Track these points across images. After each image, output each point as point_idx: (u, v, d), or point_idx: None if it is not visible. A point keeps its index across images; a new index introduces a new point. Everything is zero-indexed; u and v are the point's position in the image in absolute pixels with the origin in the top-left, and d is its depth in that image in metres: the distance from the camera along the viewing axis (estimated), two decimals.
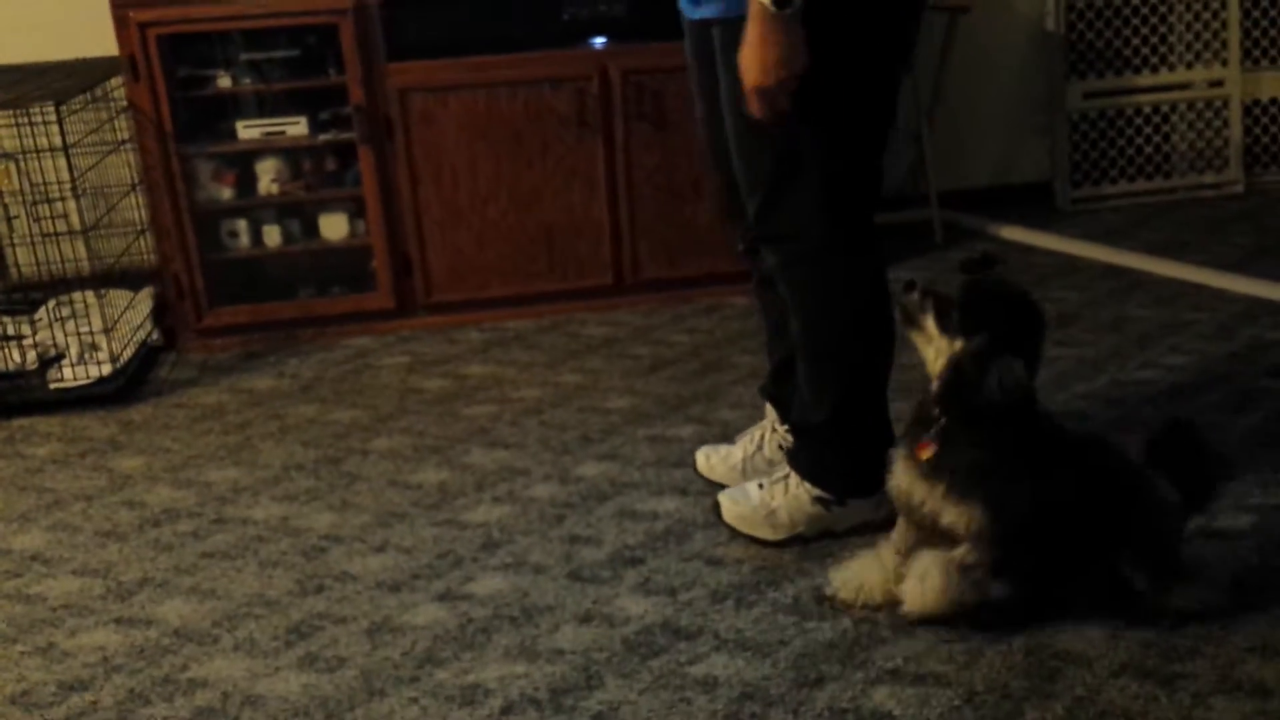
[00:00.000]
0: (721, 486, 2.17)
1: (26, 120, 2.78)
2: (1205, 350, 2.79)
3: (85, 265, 3.04)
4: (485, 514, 2.23)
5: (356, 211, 3.15)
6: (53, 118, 2.76)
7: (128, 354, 2.98)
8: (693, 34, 1.99)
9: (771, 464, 2.17)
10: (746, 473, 2.19)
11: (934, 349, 1.74)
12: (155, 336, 3.12)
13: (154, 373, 3.02)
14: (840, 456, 2.01)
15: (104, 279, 3.07)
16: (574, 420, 2.60)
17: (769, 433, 2.23)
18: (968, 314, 1.70)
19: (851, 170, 1.88)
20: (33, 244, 2.96)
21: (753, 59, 1.71)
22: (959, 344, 1.70)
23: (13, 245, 3.25)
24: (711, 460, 2.26)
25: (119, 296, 3.14)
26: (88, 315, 3.00)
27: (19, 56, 3.22)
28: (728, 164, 1.97)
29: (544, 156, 3.13)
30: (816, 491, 2.02)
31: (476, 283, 3.17)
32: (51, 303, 3.15)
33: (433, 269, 3.14)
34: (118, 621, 1.96)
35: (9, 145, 2.89)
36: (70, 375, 2.89)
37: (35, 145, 2.81)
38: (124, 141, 3.11)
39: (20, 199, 2.98)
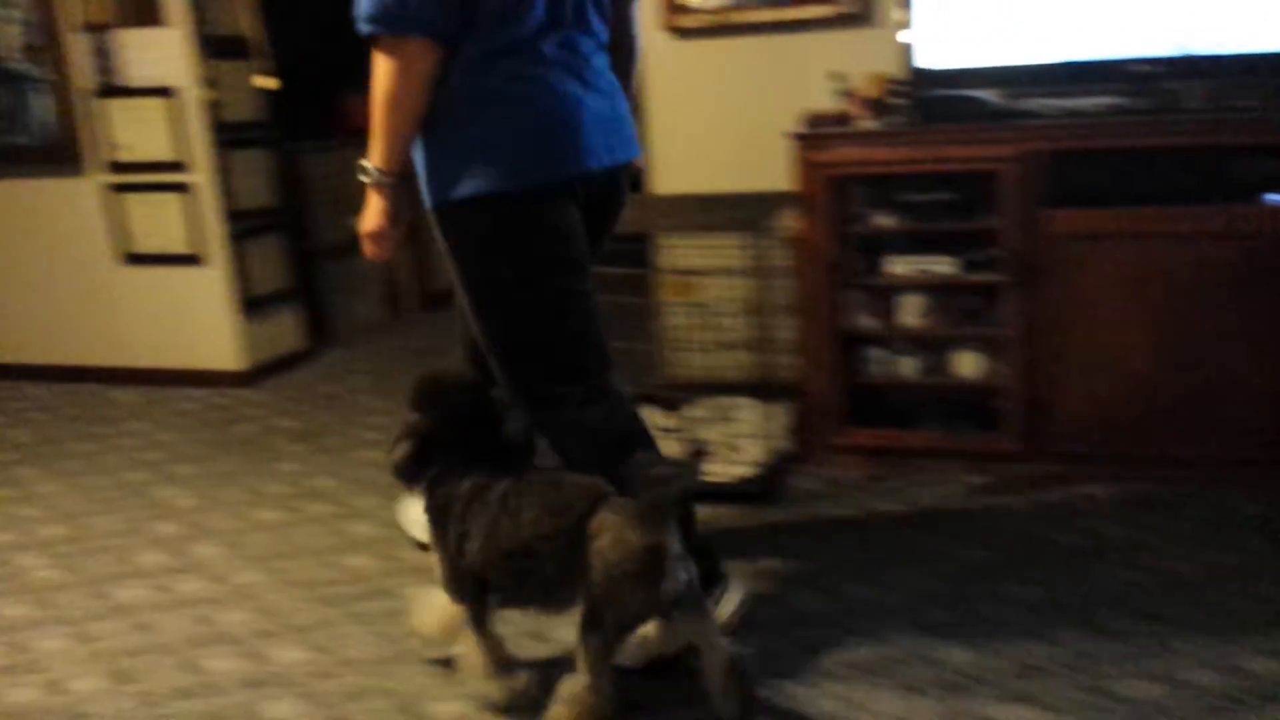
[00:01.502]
0: None
1: (714, 244, 3.15)
2: None
3: (732, 374, 3.36)
4: (1134, 689, 2.12)
5: (991, 351, 3.19)
6: (733, 243, 3.12)
7: (766, 460, 3.23)
8: None
9: None
10: None
11: None
12: (790, 447, 3.36)
13: (788, 481, 3.24)
14: None
15: (748, 388, 3.36)
16: (1236, 605, 2.40)
17: None
18: (411, 398, 2.13)
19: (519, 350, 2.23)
20: (691, 350, 3.32)
21: (363, 212, 2.20)
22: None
23: (675, 349, 3.67)
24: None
25: (760, 406, 3.43)
26: (731, 419, 3.31)
27: (709, 188, 3.67)
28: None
29: (1200, 313, 2.97)
30: None
31: (1112, 436, 3.07)
32: (700, 403, 3.51)
33: (1066, 416, 3.09)
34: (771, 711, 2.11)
35: (697, 264, 3.29)
36: (718, 471, 3.19)
37: (715, 266, 3.18)
38: (784, 268, 3.41)
39: (693, 310, 3.36)
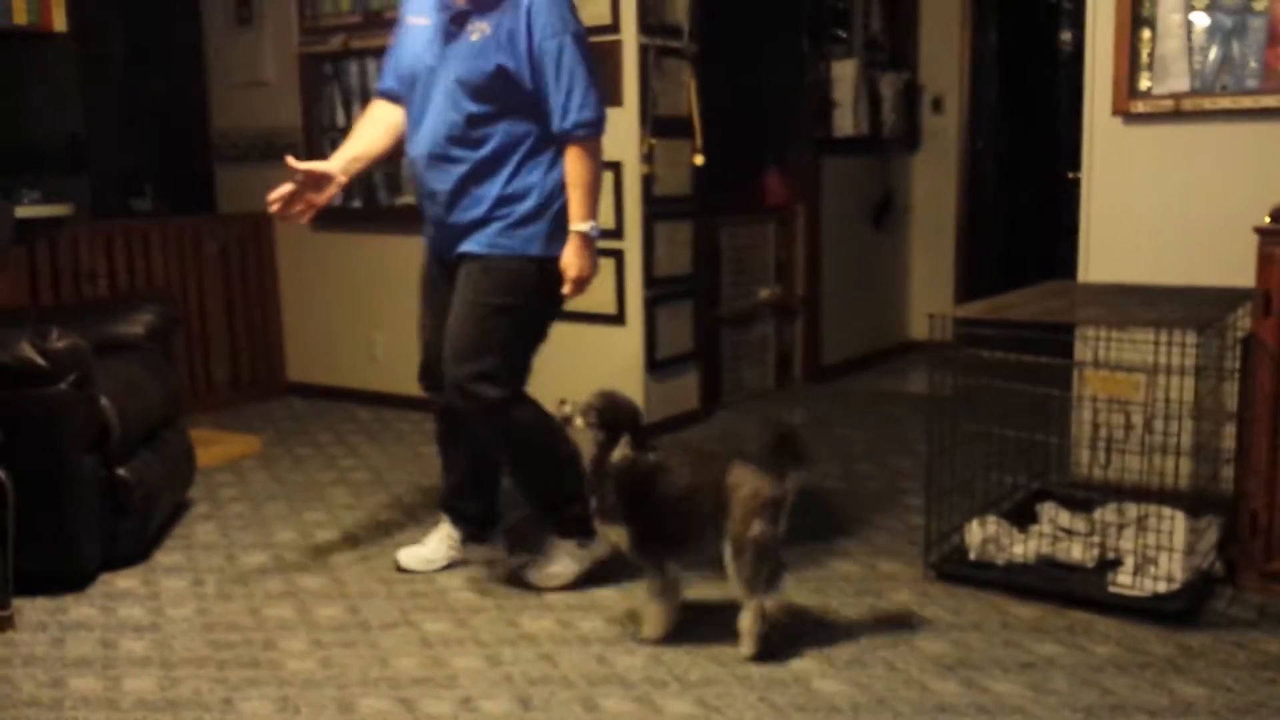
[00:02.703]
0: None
1: (1165, 340, 2.91)
2: None
3: (1156, 480, 3.09)
4: None
5: None
6: (1174, 339, 2.88)
7: (1187, 577, 2.94)
8: (447, 264, 3.17)
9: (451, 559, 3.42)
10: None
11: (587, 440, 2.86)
12: (1216, 567, 3.04)
13: (1211, 603, 2.93)
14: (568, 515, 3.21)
15: (1173, 497, 3.08)
16: None
17: (445, 537, 3.41)
18: (598, 417, 2.80)
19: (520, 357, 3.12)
20: (1111, 450, 3.09)
21: (573, 262, 3.02)
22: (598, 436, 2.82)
23: (1091, 447, 3.44)
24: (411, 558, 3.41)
25: (1185, 518, 3.13)
26: (1149, 529, 3.04)
27: (1149, 278, 3.45)
28: (437, 351, 3.14)
29: None
30: (570, 542, 3.23)
31: None
32: (1111, 506, 3.26)
33: None
34: None
35: (1129, 358, 3.07)
36: (1129, 583, 2.94)
37: (1150, 362, 2.95)
38: (1233, 371, 3.12)
39: (1119, 407, 3.14)
